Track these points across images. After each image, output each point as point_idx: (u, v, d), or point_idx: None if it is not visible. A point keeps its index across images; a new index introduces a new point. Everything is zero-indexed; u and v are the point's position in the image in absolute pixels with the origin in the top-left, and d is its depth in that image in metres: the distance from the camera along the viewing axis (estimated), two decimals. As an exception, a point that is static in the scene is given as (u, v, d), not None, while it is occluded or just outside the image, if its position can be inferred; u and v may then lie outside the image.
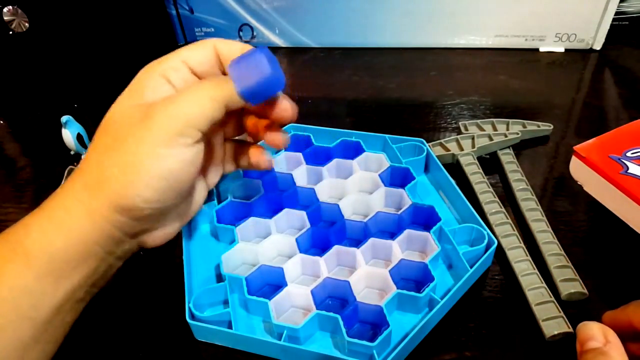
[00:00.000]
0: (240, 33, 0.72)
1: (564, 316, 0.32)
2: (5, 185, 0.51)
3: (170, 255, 0.40)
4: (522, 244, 0.37)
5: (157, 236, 0.30)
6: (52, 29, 0.68)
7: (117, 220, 0.26)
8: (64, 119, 0.49)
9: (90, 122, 0.53)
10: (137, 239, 0.29)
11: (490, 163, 0.47)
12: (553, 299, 0.33)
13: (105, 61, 0.73)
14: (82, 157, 0.48)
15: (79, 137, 0.51)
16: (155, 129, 0.26)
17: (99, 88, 0.67)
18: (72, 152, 0.52)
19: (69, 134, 0.50)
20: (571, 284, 0.34)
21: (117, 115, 0.27)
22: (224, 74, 0.31)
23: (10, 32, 0.65)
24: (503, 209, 0.40)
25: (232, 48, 0.30)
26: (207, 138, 0.31)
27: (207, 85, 0.28)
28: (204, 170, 0.33)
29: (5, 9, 0.63)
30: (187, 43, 0.73)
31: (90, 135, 0.53)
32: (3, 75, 0.69)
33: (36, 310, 0.24)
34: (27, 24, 0.66)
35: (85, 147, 0.52)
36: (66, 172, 0.45)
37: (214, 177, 0.35)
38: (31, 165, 0.50)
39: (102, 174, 0.26)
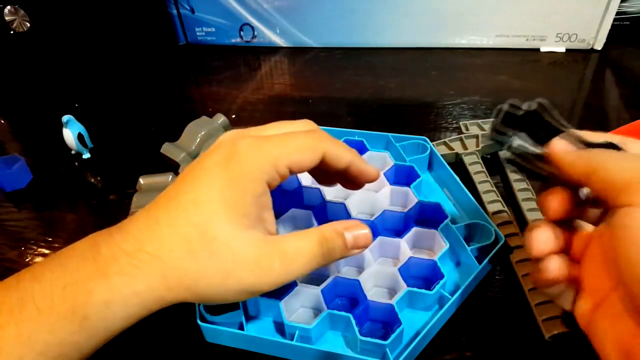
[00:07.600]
0: (241, 33, 0.72)
1: (564, 316, 0.32)
2: (6, 184, 0.51)
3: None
4: (524, 244, 0.37)
5: None
6: (53, 28, 0.68)
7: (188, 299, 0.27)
8: (64, 118, 0.49)
9: (91, 122, 0.53)
10: None
11: (491, 163, 0.47)
12: (554, 299, 0.33)
13: (106, 61, 0.73)
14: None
15: (80, 137, 0.51)
16: (273, 278, 0.27)
17: (100, 87, 0.67)
18: (72, 152, 0.52)
19: (69, 134, 0.50)
20: (572, 284, 0.34)
21: (227, 238, 0.26)
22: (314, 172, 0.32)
23: (12, 32, 0.66)
24: (506, 208, 0.40)
25: (341, 157, 0.30)
26: None
27: (320, 257, 0.28)
28: None
29: (6, 9, 0.63)
30: (187, 43, 0.73)
31: (91, 135, 0.53)
32: (4, 75, 0.69)
33: (80, 353, 0.26)
34: (28, 24, 0.66)
35: (86, 146, 0.52)
36: (66, 171, 0.45)
37: None
38: (31, 165, 0.50)
39: (196, 286, 0.26)
